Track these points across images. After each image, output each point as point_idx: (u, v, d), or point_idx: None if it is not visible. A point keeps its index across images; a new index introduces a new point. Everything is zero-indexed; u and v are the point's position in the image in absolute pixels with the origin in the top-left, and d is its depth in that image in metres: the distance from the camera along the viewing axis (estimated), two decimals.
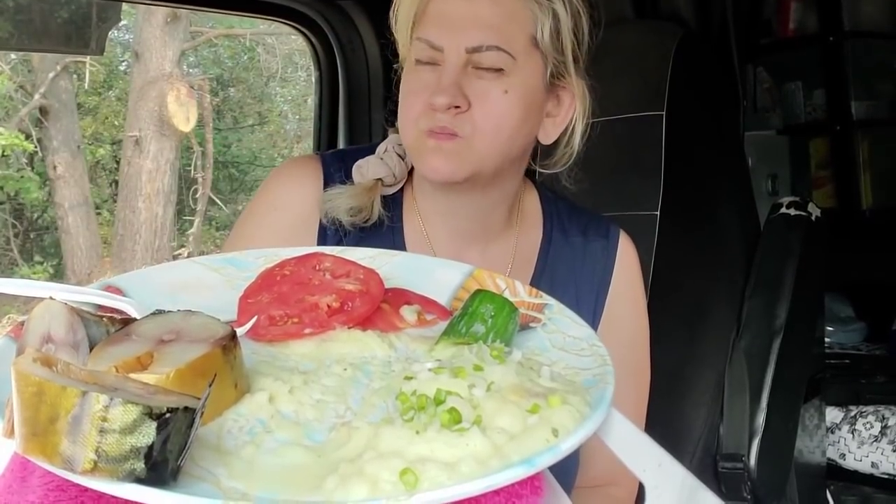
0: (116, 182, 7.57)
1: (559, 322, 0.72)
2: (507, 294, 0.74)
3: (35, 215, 8.28)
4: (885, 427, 1.78)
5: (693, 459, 1.54)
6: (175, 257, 6.60)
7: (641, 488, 0.55)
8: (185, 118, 6.63)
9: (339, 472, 0.50)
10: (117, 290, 0.71)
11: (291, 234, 1.06)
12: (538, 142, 1.06)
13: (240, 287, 0.74)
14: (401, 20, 1.02)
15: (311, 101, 2.30)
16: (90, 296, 0.68)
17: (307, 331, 0.68)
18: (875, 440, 1.78)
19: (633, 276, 1.15)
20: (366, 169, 1.08)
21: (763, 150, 2.54)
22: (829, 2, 2.43)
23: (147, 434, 0.45)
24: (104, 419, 0.44)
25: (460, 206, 1.06)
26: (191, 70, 8.38)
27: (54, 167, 6.88)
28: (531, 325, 0.72)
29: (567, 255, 1.12)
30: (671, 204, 1.58)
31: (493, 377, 0.58)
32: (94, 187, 7.96)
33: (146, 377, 0.52)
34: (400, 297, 0.75)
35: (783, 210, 1.66)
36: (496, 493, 0.54)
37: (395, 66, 1.09)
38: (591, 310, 1.10)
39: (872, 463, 1.78)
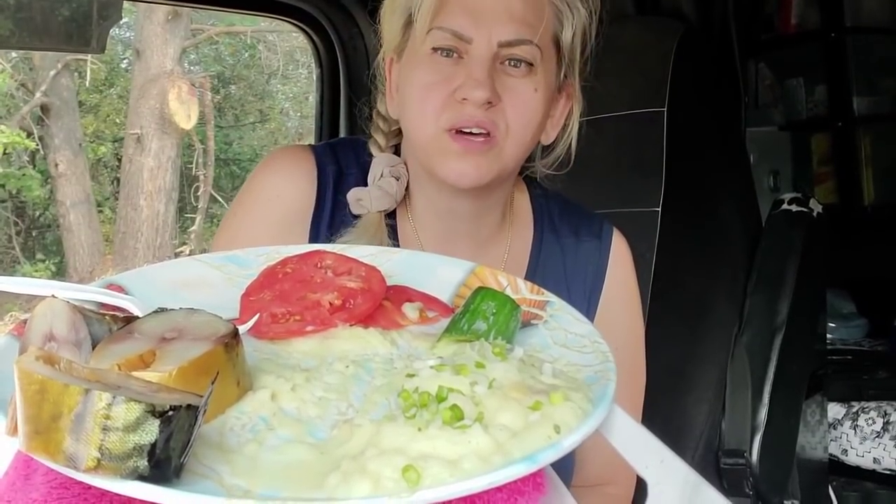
0: (118, 180, 7.58)
1: (561, 319, 0.72)
2: (508, 291, 0.74)
3: (37, 213, 8.29)
4: (886, 423, 1.78)
5: (695, 455, 1.54)
6: (177, 255, 6.61)
7: (640, 486, 0.55)
8: (186, 116, 6.63)
9: (341, 469, 0.50)
10: (119, 288, 0.71)
11: (283, 226, 1.03)
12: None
13: (241, 285, 0.74)
14: (424, 7, 0.95)
15: (313, 98, 2.29)
16: (92, 294, 0.68)
17: (309, 328, 0.68)
18: (877, 436, 1.78)
19: (627, 275, 1.13)
20: (367, 202, 1.03)
21: (764, 146, 2.54)
22: None
23: (150, 432, 0.45)
24: (107, 417, 0.44)
25: (457, 208, 1.04)
26: (192, 68, 8.39)
27: (56, 165, 6.89)
28: (533, 322, 0.72)
29: (558, 255, 1.11)
30: (673, 201, 1.58)
31: (495, 374, 0.58)
32: (96, 185, 7.97)
33: (149, 375, 0.52)
34: (401, 294, 0.75)
35: (785, 206, 1.66)
36: (498, 489, 0.54)
37: (371, 67, 1.06)
38: (583, 310, 1.08)
39: (874, 459, 1.78)
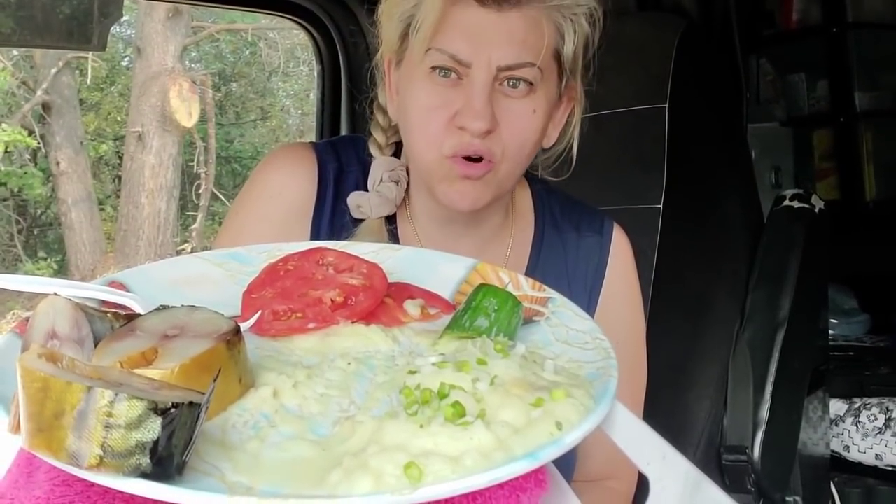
0: (119, 178, 7.59)
1: (562, 316, 0.72)
2: (510, 288, 0.74)
3: (38, 211, 8.30)
4: (888, 419, 1.78)
5: (697, 452, 1.54)
6: (178, 252, 6.61)
7: (641, 481, 0.55)
8: (187, 113, 6.63)
9: (343, 465, 0.50)
10: (121, 286, 0.71)
11: (285, 224, 1.03)
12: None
13: (243, 282, 0.74)
14: (422, 27, 0.92)
15: (314, 95, 2.29)
16: (94, 292, 0.68)
17: (311, 325, 0.68)
18: (879, 432, 1.78)
19: (628, 270, 1.13)
20: (367, 209, 1.03)
21: (766, 142, 2.53)
22: None
23: (152, 429, 0.45)
24: (109, 414, 0.45)
25: (457, 213, 1.03)
26: (193, 65, 8.39)
27: (57, 163, 6.90)
28: (534, 318, 0.72)
29: (560, 251, 1.10)
30: (674, 197, 1.58)
31: (497, 371, 0.58)
32: (98, 183, 7.98)
33: (151, 372, 0.52)
34: (403, 291, 0.75)
35: (786, 202, 1.66)
36: (500, 486, 0.54)
37: (373, 59, 1.04)
38: (584, 305, 1.08)
39: (876, 455, 1.78)
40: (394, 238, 1.05)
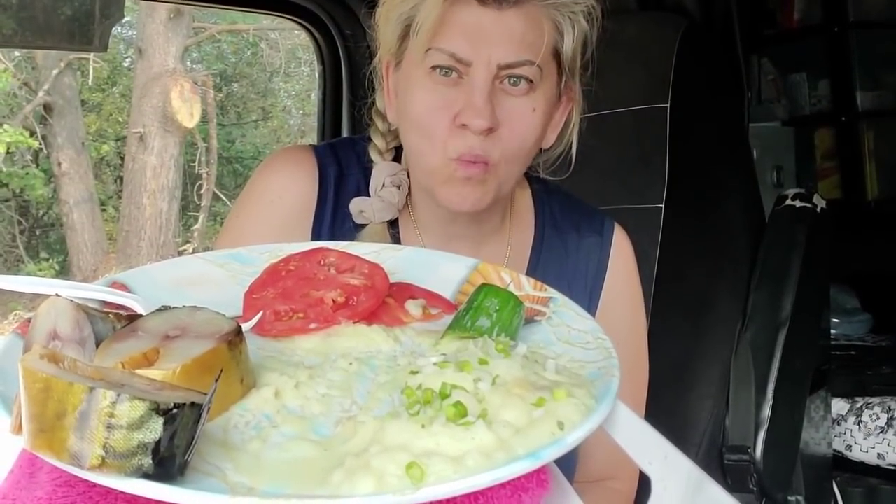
0: (121, 178, 7.60)
1: (564, 315, 0.72)
2: (511, 288, 0.74)
3: (40, 212, 8.31)
4: (891, 418, 1.77)
5: (699, 452, 1.54)
6: (180, 253, 6.61)
7: (643, 481, 0.55)
8: (188, 114, 6.64)
9: (345, 466, 0.50)
10: (123, 287, 0.71)
11: (286, 227, 1.03)
12: None
13: (245, 282, 0.74)
14: (423, 27, 0.92)
15: (315, 95, 2.29)
16: (96, 292, 0.68)
17: (312, 326, 0.68)
18: (881, 431, 1.78)
19: (629, 271, 1.13)
20: (370, 214, 1.03)
21: (768, 141, 2.53)
22: None
23: (154, 430, 0.45)
24: (111, 415, 0.45)
25: (458, 214, 1.03)
26: (194, 66, 8.40)
27: (59, 164, 6.91)
28: (536, 318, 0.73)
29: (560, 251, 1.10)
30: (675, 196, 1.58)
31: (499, 371, 0.58)
32: (99, 184, 7.99)
33: (153, 373, 0.52)
34: (405, 291, 0.75)
35: (788, 202, 1.65)
36: (502, 486, 0.54)
37: (371, 64, 1.04)
38: (584, 306, 1.08)
39: (878, 454, 1.78)
40: (397, 242, 1.04)
